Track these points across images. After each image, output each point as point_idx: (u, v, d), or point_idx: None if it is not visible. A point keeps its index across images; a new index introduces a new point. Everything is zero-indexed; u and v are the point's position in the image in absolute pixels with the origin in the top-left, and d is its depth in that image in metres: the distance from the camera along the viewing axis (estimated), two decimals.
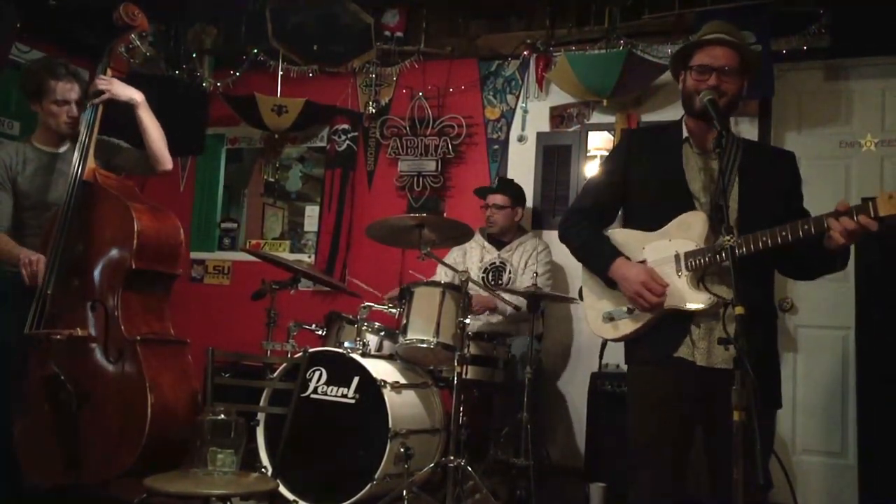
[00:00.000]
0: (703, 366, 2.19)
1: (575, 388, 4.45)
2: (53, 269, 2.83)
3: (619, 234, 2.39)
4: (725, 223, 2.00)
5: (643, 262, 2.28)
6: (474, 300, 3.96)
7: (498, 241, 4.43)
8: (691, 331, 2.20)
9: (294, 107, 5.16)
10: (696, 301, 2.18)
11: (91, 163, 2.97)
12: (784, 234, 2.05)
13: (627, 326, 2.29)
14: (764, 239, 2.07)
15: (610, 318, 2.32)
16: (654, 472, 2.25)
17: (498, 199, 4.38)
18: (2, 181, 3.04)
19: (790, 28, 4.16)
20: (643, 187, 2.37)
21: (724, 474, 2.04)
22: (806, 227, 2.03)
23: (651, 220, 2.31)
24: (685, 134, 2.34)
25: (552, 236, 4.68)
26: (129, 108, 3.08)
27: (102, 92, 3.01)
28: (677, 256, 2.23)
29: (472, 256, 4.38)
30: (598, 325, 2.37)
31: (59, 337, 2.78)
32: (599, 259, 2.33)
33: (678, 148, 2.33)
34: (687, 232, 2.23)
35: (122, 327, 2.81)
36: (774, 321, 2.35)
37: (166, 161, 3.19)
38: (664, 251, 2.26)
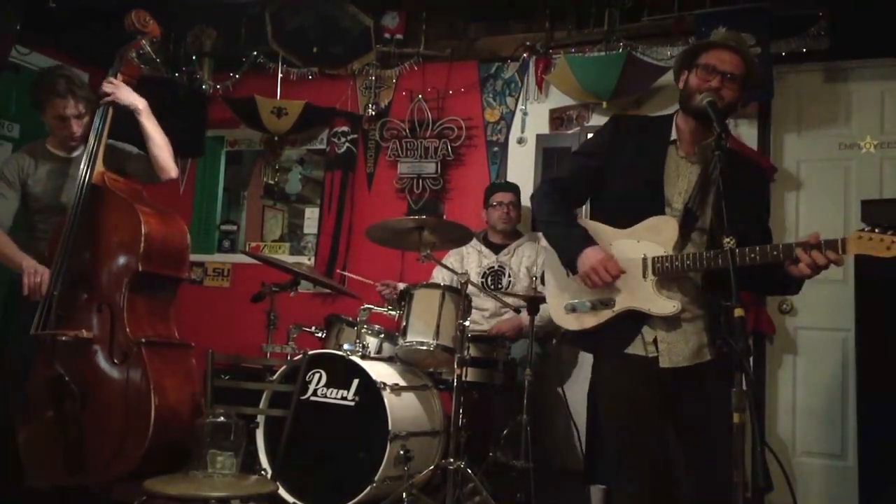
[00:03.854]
0: (667, 367, 2.25)
1: (574, 390, 4.45)
2: (61, 271, 2.85)
3: (589, 226, 2.39)
4: (726, 227, 2.02)
5: None
6: (505, 326, 4.02)
7: (494, 245, 4.43)
8: (644, 332, 2.27)
9: (294, 109, 5.16)
10: (662, 307, 2.23)
11: (100, 166, 2.99)
12: (753, 256, 2.10)
13: (588, 320, 2.33)
14: (736, 258, 2.09)
15: (572, 309, 2.36)
16: (629, 464, 2.31)
17: (513, 197, 4.41)
18: (11, 180, 3.07)
19: (790, 30, 4.15)
20: (619, 180, 2.38)
21: (696, 472, 2.21)
22: (775, 252, 2.09)
23: (619, 214, 2.35)
24: (674, 135, 2.35)
25: None
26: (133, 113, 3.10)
27: (107, 94, 3.04)
28: (645, 259, 2.26)
29: (470, 261, 4.38)
30: (559, 315, 2.40)
31: (64, 338, 2.80)
32: (575, 245, 2.32)
33: (663, 149, 2.33)
34: (657, 236, 2.26)
35: (128, 329, 2.82)
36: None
37: (170, 169, 3.17)
38: (631, 252, 2.29)
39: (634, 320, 2.28)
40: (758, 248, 2.10)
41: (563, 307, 2.38)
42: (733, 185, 2.21)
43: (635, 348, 2.28)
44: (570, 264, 2.34)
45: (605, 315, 2.30)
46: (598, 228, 2.37)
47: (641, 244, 2.28)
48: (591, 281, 2.25)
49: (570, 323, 2.38)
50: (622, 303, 2.28)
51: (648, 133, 2.41)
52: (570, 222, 2.40)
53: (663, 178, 2.30)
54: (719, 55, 2.26)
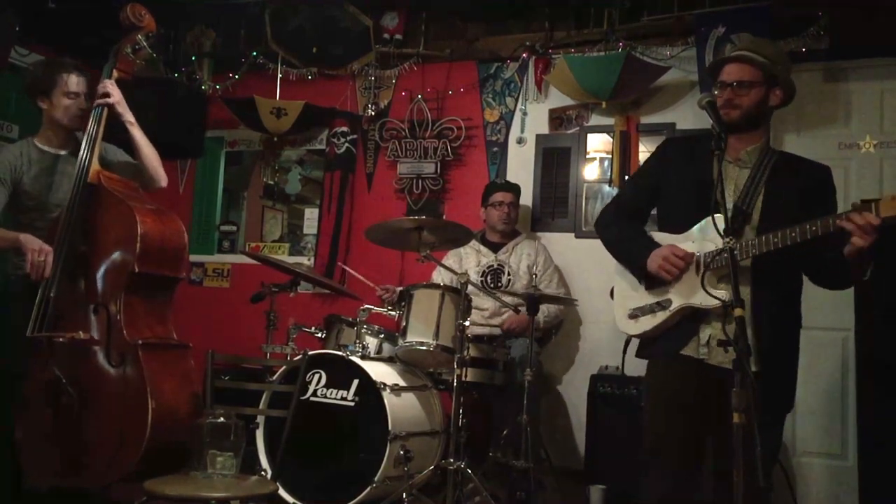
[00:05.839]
0: (712, 364, 2.28)
1: (574, 390, 4.45)
2: (57, 272, 2.83)
3: (655, 237, 2.52)
4: (726, 226, 2.03)
5: None
6: (514, 322, 4.05)
7: (492, 244, 4.43)
8: (700, 329, 2.31)
9: (293, 109, 5.17)
10: (709, 300, 2.25)
11: (95, 165, 2.97)
12: (793, 234, 2.13)
13: (648, 323, 2.42)
14: (775, 240, 2.15)
15: (634, 315, 2.47)
16: (661, 465, 2.36)
17: (513, 197, 4.43)
18: (2, 178, 3.04)
19: (789, 30, 4.15)
20: (674, 193, 2.50)
21: (722, 474, 2.13)
22: (813, 228, 2.11)
23: (676, 221, 2.46)
24: None
25: (551, 238, 4.69)
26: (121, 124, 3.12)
27: (109, 95, 3.04)
28: (697, 258, 2.34)
29: (469, 261, 4.38)
30: (623, 322, 2.51)
31: (61, 340, 2.77)
32: (641, 251, 2.45)
33: (710, 156, 2.39)
34: (708, 234, 2.33)
35: (125, 331, 2.80)
36: (796, 329, 2.40)
37: (162, 178, 3.24)
38: None
39: (692, 321, 2.33)
40: (798, 227, 2.12)
41: (626, 315, 2.49)
42: (786, 184, 2.33)
43: (689, 350, 2.33)
44: (640, 271, 2.45)
45: (662, 316, 2.38)
46: (660, 238, 2.48)
47: (696, 244, 2.36)
48: (665, 272, 2.35)
49: (631, 328, 2.48)
50: (676, 302, 2.35)
51: (696, 145, 2.52)
52: (634, 235, 2.53)
53: (712, 182, 2.34)
54: (726, 70, 2.38)
